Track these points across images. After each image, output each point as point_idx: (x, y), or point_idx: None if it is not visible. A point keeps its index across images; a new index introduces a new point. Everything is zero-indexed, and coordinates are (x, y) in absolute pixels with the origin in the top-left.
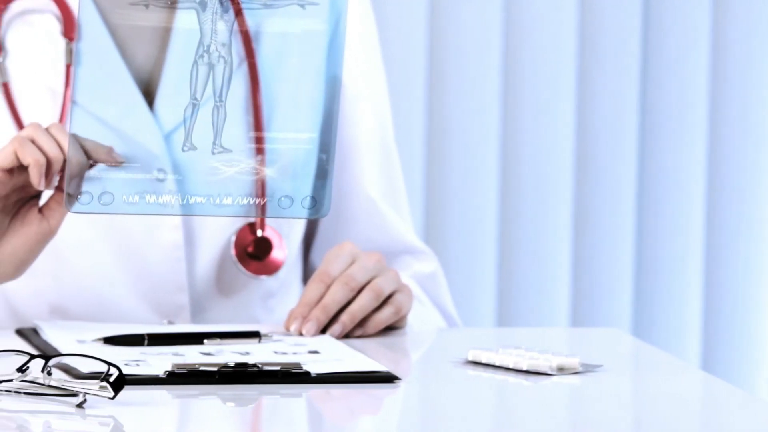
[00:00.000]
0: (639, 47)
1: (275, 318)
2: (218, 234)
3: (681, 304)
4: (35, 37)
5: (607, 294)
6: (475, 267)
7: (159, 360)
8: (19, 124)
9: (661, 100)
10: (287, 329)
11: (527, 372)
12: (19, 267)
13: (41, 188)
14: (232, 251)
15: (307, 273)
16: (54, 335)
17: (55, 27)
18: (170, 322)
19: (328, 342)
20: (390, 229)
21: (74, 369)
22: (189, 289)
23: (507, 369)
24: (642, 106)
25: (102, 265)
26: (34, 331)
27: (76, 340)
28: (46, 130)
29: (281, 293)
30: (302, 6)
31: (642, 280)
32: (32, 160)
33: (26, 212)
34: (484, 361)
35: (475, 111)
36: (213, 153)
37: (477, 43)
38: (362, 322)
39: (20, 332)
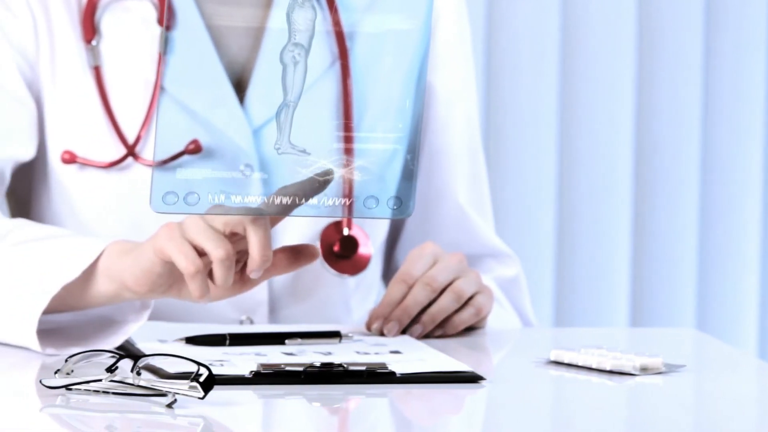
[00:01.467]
0: (699, 45)
1: (354, 317)
2: (302, 232)
3: (741, 303)
4: (131, 23)
5: (667, 293)
6: (533, 267)
7: (242, 360)
8: (108, 109)
9: (722, 98)
10: (368, 329)
11: (610, 372)
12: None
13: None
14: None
15: (390, 274)
16: (135, 335)
17: (152, 14)
18: (248, 318)
19: (409, 342)
20: (476, 233)
21: (160, 369)
22: (268, 285)
23: (590, 369)
24: (704, 102)
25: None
26: None
27: (158, 340)
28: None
29: (360, 292)
30: (390, 13)
31: (702, 279)
32: (197, 293)
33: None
34: (566, 361)
35: (532, 111)
36: (279, 153)
37: (534, 43)
38: (443, 322)
39: None
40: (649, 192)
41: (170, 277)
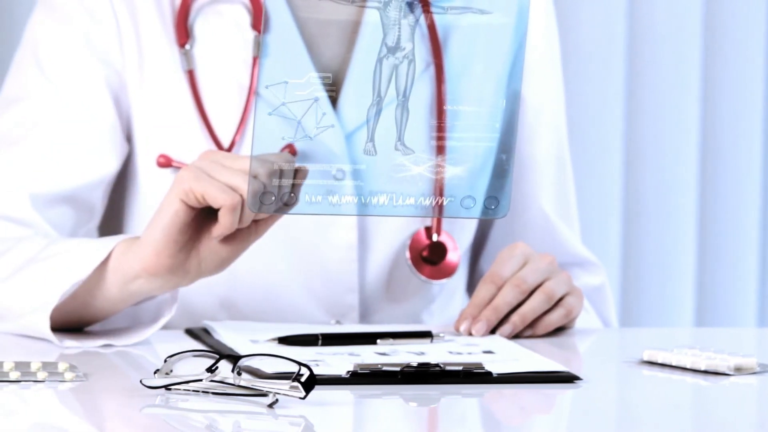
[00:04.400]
0: (763, 44)
1: (435, 322)
2: (392, 237)
3: None
4: (224, 27)
5: (732, 293)
6: None
7: (337, 360)
8: (202, 113)
9: None
10: (457, 329)
11: (705, 372)
12: (220, 264)
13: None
14: (407, 255)
15: (474, 280)
16: (227, 335)
17: (245, 18)
18: (338, 322)
19: (500, 342)
20: (561, 241)
21: (258, 369)
22: (359, 290)
23: (683, 369)
24: None
25: (275, 262)
26: (205, 331)
27: (250, 340)
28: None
29: (443, 298)
30: (484, 12)
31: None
32: (225, 204)
33: None
34: (660, 361)
35: (599, 112)
36: (396, 149)
37: (600, 46)
38: (533, 322)
39: (190, 332)
40: (713, 192)
41: (189, 232)
